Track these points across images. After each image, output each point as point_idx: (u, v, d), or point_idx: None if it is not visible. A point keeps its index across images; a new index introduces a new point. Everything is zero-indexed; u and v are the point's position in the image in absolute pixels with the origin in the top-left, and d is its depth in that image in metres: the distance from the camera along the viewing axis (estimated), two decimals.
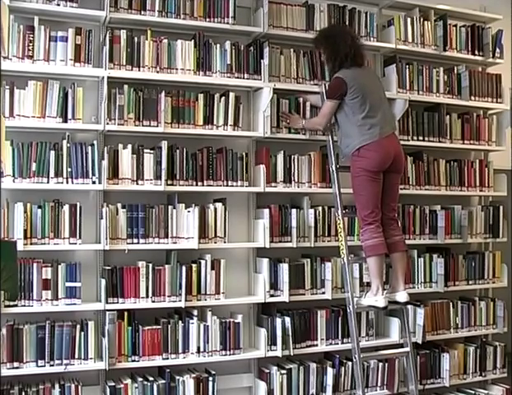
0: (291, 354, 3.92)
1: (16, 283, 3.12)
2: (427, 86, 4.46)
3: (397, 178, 3.88)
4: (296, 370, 3.97)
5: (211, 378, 3.76)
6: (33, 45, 3.52)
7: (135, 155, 3.67)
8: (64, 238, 3.51)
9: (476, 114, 4.65)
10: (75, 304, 3.51)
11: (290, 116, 4.03)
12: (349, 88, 3.71)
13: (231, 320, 3.83)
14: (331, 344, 4.08)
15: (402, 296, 3.82)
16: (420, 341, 4.17)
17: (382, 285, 3.77)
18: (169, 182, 3.74)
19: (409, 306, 4.11)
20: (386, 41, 4.39)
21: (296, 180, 4.05)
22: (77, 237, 3.53)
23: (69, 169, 3.54)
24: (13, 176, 3.44)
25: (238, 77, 3.95)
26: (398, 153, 3.82)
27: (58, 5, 3.59)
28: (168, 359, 3.68)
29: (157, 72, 3.77)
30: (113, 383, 3.61)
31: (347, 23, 4.25)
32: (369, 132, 3.69)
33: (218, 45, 3.90)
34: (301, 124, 4.00)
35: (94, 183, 3.59)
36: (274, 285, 3.96)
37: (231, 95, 3.89)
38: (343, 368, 4.05)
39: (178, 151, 3.78)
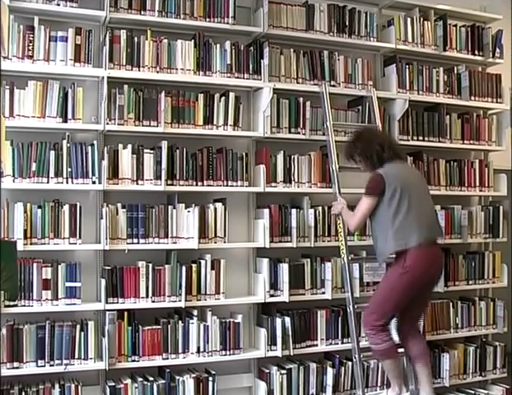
0: (291, 354, 3.92)
1: (16, 283, 3.12)
2: (427, 86, 4.46)
3: (431, 289, 3.69)
4: (296, 370, 3.97)
5: (211, 378, 3.76)
6: (33, 45, 3.52)
7: (135, 155, 3.67)
8: (64, 238, 3.52)
9: (476, 114, 4.65)
10: (75, 304, 3.51)
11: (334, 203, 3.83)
12: (387, 185, 3.41)
13: (231, 320, 3.83)
14: (331, 344, 4.08)
15: None
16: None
17: (403, 384, 3.61)
18: (169, 182, 3.74)
19: None
20: (386, 41, 4.39)
21: (296, 180, 4.05)
22: (77, 237, 3.54)
23: (69, 169, 3.54)
24: (13, 176, 3.44)
25: (238, 77, 3.95)
26: (440, 265, 3.58)
27: (58, 5, 3.59)
28: (168, 359, 3.68)
29: (157, 72, 3.77)
30: (113, 383, 3.61)
31: (347, 23, 4.25)
32: (406, 236, 3.39)
33: (218, 45, 3.91)
34: (341, 210, 3.73)
35: (94, 183, 3.59)
36: (274, 285, 3.96)
37: (231, 95, 3.89)
38: (343, 368, 4.06)
39: (178, 151, 3.78)
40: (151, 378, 3.67)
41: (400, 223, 3.39)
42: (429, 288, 3.65)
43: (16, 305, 3.41)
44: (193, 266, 3.75)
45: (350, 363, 4.04)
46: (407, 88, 4.38)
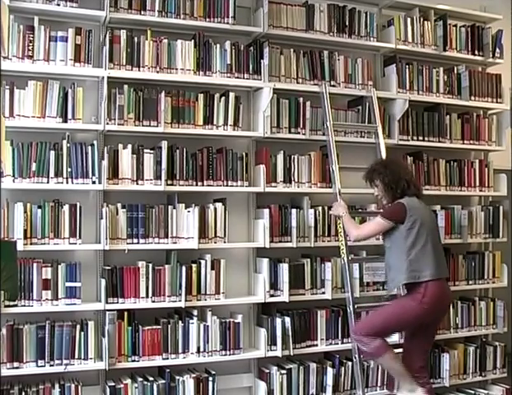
0: (291, 354, 3.92)
1: (16, 283, 3.13)
2: (427, 86, 4.47)
3: (439, 323, 3.72)
4: (296, 370, 3.97)
5: (211, 378, 3.76)
6: (33, 45, 3.52)
7: (135, 155, 3.67)
8: (64, 238, 3.52)
9: (476, 114, 4.65)
10: (75, 304, 3.51)
11: (334, 203, 3.85)
12: (408, 216, 3.43)
13: (231, 320, 3.83)
14: (331, 344, 4.08)
15: None
16: None
17: (412, 378, 3.50)
18: (169, 182, 3.74)
19: None
20: (386, 41, 4.39)
21: (296, 180, 4.05)
22: (77, 237, 3.54)
23: (69, 169, 3.54)
24: (13, 176, 3.44)
25: (238, 77, 3.95)
26: (450, 301, 3.64)
27: (58, 5, 3.59)
28: (168, 359, 3.68)
29: (157, 71, 3.77)
30: (113, 383, 3.61)
31: (347, 23, 4.25)
32: (422, 268, 3.40)
33: (218, 45, 3.91)
34: (342, 214, 3.72)
35: (94, 183, 3.59)
36: (274, 285, 3.96)
37: (231, 95, 3.89)
38: (343, 368, 4.06)
39: (178, 151, 3.78)
40: (151, 378, 3.67)
41: (416, 255, 3.41)
42: (438, 322, 3.72)
43: (16, 305, 3.41)
44: (193, 266, 3.75)
45: (350, 363, 4.04)
46: (407, 88, 4.38)
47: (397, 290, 3.77)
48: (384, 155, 4.09)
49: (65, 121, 3.57)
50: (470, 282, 4.53)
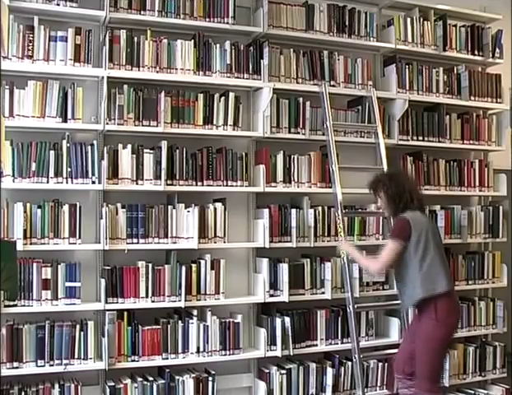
0: (291, 354, 3.92)
1: (15, 283, 3.12)
2: (427, 86, 4.47)
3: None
4: (296, 370, 3.97)
5: (210, 378, 3.76)
6: (33, 45, 3.52)
7: (135, 155, 3.67)
8: (64, 238, 3.52)
9: (475, 114, 4.65)
10: (74, 303, 3.51)
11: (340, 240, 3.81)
12: (413, 230, 3.39)
13: (231, 320, 3.83)
14: (330, 344, 4.08)
15: None
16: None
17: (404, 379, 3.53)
18: (169, 182, 3.74)
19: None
20: (386, 41, 4.39)
21: (296, 180, 4.05)
22: (77, 237, 3.54)
23: (69, 169, 3.54)
24: (13, 176, 3.44)
25: (238, 77, 3.95)
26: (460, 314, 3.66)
27: (58, 5, 3.59)
28: (168, 359, 3.68)
29: (157, 71, 3.77)
30: (112, 383, 3.61)
31: (347, 23, 4.25)
32: (435, 281, 3.36)
33: (218, 45, 3.91)
34: (351, 251, 3.65)
35: (93, 183, 3.59)
36: (274, 285, 3.96)
37: (231, 95, 3.89)
38: (343, 368, 4.06)
39: (178, 150, 3.78)
40: (151, 378, 3.67)
41: (427, 268, 3.36)
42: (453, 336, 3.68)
43: (15, 305, 3.41)
44: (193, 266, 3.75)
45: (350, 363, 4.04)
46: (407, 88, 4.38)
47: (402, 309, 3.70)
48: (383, 156, 4.10)
49: (65, 121, 3.57)
50: (470, 282, 4.53)
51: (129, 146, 3.66)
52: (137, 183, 3.68)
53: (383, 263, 3.45)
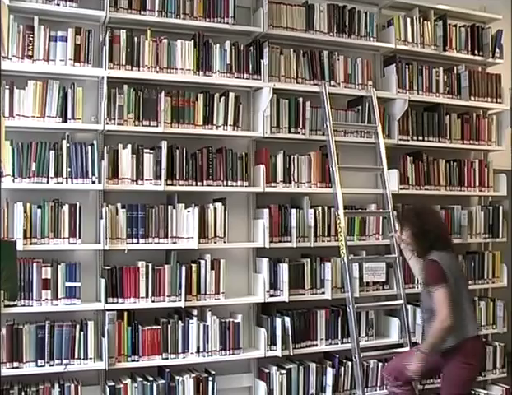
0: (291, 354, 3.92)
1: (15, 283, 3.12)
2: (427, 86, 4.47)
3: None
4: (296, 370, 3.97)
5: (210, 378, 3.76)
6: (33, 45, 3.52)
7: (135, 155, 3.67)
8: (64, 238, 3.52)
9: (475, 114, 4.65)
10: (74, 303, 3.51)
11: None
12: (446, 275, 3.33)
13: (231, 320, 3.83)
14: (330, 344, 4.08)
15: None
16: (419, 341, 4.17)
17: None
18: (169, 182, 3.74)
19: (409, 306, 4.11)
20: (386, 41, 4.39)
21: (296, 180, 4.05)
22: (77, 237, 3.54)
23: (69, 169, 3.54)
24: (13, 176, 3.44)
25: (238, 77, 3.95)
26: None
27: (58, 5, 3.59)
28: (168, 359, 3.68)
29: (157, 71, 3.77)
30: (112, 383, 3.60)
31: (347, 23, 4.25)
32: (464, 325, 3.30)
33: (218, 45, 3.90)
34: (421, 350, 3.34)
35: (93, 183, 3.59)
36: (274, 285, 3.96)
37: (231, 95, 3.89)
38: (343, 368, 4.06)
39: (177, 150, 3.78)
40: (151, 378, 3.67)
41: (458, 313, 3.26)
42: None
43: (15, 305, 3.41)
44: (193, 266, 3.75)
45: (350, 363, 4.04)
46: (407, 88, 4.38)
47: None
48: (383, 156, 4.09)
49: (65, 121, 3.57)
50: (470, 282, 4.51)
51: (129, 146, 3.66)
52: (137, 183, 3.68)
53: (445, 316, 3.22)
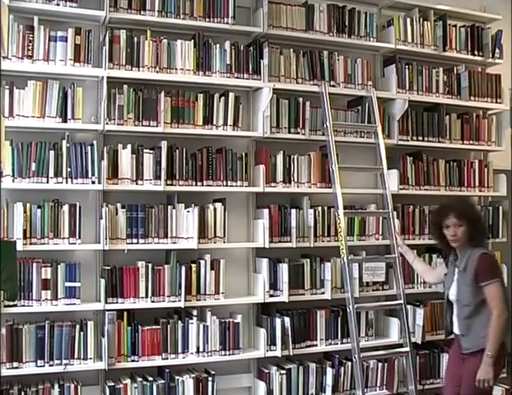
0: (291, 354, 3.92)
1: (15, 283, 3.12)
2: (427, 86, 4.47)
3: None
4: (296, 370, 3.97)
5: (210, 378, 3.76)
6: (32, 45, 3.52)
7: (134, 155, 3.67)
8: (64, 238, 3.52)
9: (475, 114, 4.65)
10: (74, 304, 3.51)
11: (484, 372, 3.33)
12: None
13: (231, 320, 3.83)
14: (330, 344, 4.08)
15: None
16: (419, 342, 4.17)
17: None
18: (169, 182, 3.74)
19: (408, 306, 4.11)
20: (386, 41, 4.39)
21: (296, 180, 4.05)
22: (77, 237, 3.53)
23: (69, 169, 3.54)
24: (13, 176, 3.44)
25: (237, 77, 3.95)
26: None
27: (58, 5, 3.59)
28: (167, 359, 3.68)
29: (157, 72, 3.77)
30: (112, 383, 3.60)
31: (347, 23, 4.25)
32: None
33: (218, 45, 3.91)
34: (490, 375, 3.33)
35: (93, 183, 3.59)
36: (274, 285, 3.96)
37: (231, 95, 3.89)
38: (343, 368, 4.06)
39: (177, 151, 3.78)
40: (151, 378, 3.67)
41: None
42: None
43: (15, 305, 3.41)
44: (193, 266, 3.75)
45: (349, 363, 4.04)
46: (407, 88, 4.38)
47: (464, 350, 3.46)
48: (383, 156, 4.09)
49: (65, 121, 3.57)
50: None
51: (129, 146, 3.66)
52: (136, 183, 3.68)
53: (502, 310, 3.22)
